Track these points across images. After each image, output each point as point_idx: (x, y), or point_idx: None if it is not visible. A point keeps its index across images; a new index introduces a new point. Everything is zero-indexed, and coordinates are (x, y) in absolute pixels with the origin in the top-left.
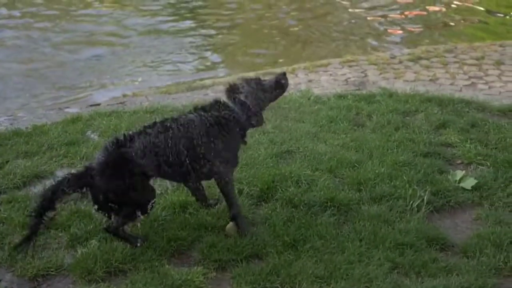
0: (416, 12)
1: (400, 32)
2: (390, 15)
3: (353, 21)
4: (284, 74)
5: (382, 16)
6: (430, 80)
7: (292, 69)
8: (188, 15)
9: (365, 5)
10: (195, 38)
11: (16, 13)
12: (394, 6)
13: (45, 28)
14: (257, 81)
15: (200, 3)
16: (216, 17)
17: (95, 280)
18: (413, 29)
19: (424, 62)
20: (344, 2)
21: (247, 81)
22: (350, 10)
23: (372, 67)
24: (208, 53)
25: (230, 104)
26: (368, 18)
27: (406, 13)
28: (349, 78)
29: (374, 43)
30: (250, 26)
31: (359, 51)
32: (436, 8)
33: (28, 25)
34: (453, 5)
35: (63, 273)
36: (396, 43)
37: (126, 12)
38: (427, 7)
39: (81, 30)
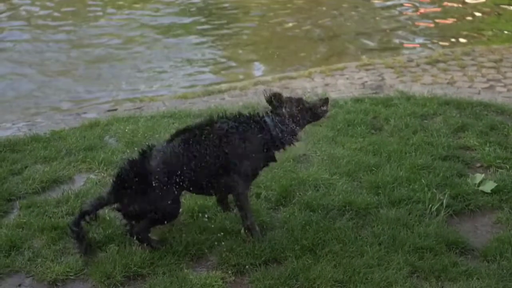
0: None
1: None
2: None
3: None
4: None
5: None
6: (448, 83)
7: (309, 73)
8: (207, 19)
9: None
10: (213, 43)
11: (31, 18)
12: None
13: (60, 36)
14: (299, 100)
15: (221, 8)
16: (236, 22)
17: (114, 284)
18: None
19: (441, 65)
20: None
21: (289, 98)
22: (381, 11)
23: (389, 71)
24: (225, 58)
25: (267, 120)
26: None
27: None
28: (366, 81)
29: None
30: (272, 30)
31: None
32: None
33: (42, 32)
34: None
35: (82, 277)
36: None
37: (142, 18)
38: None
39: (96, 37)
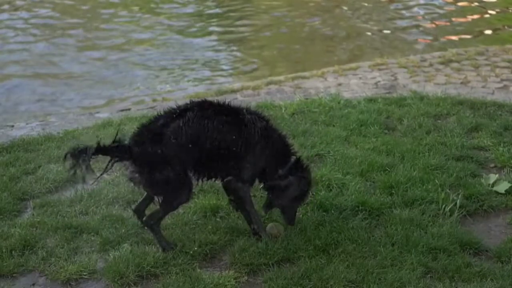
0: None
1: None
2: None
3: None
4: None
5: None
6: (462, 83)
7: (322, 72)
8: (218, 20)
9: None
10: (225, 43)
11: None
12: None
13: (72, 35)
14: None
15: (231, 9)
16: (248, 22)
17: (127, 284)
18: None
19: (455, 65)
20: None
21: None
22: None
23: (402, 70)
24: (237, 58)
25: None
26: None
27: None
28: (379, 81)
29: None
30: (284, 30)
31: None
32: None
33: (54, 32)
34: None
35: (95, 276)
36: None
37: (155, 19)
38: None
39: (110, 37)
